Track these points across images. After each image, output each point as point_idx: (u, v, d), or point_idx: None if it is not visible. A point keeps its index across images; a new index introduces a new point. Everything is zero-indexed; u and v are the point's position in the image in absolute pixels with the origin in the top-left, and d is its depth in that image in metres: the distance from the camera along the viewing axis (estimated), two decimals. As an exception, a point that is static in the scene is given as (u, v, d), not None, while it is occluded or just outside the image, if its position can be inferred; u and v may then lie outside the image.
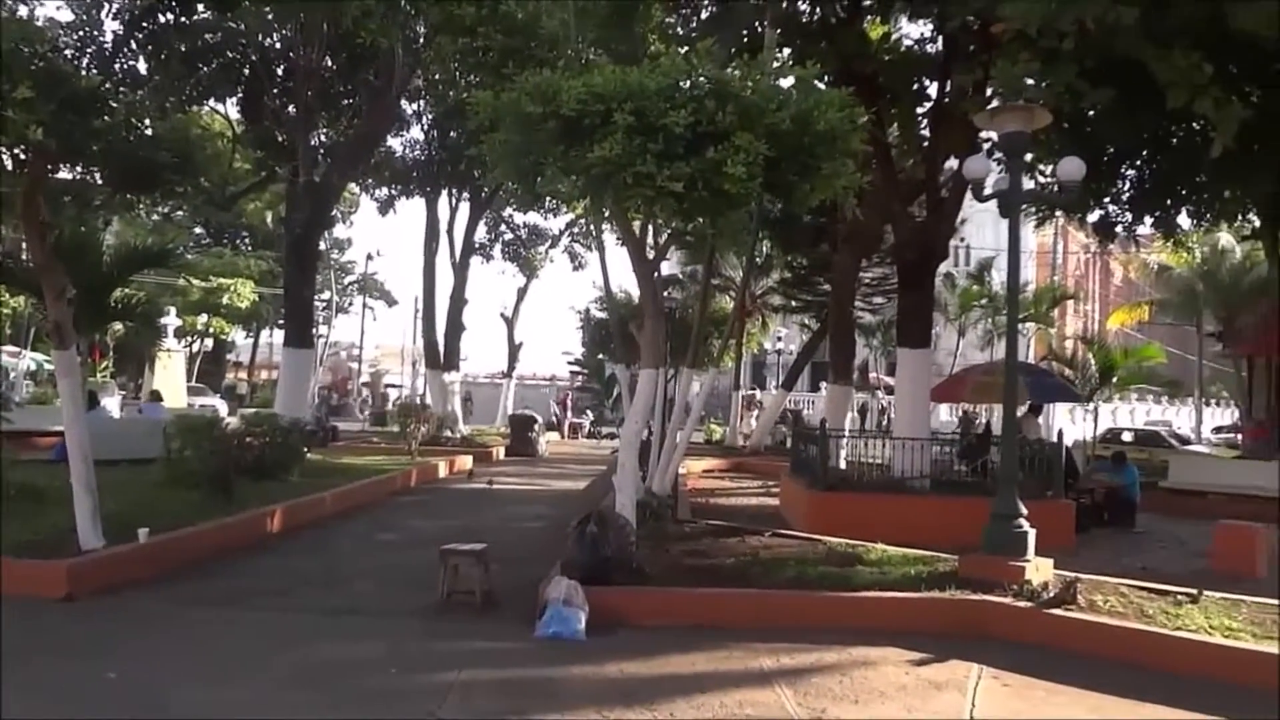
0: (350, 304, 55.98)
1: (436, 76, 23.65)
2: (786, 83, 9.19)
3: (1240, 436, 29.31)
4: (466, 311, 29.58)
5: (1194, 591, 8.20)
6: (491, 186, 25.92)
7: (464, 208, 29.83)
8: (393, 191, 29.92)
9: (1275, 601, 8.19)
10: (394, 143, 28.26)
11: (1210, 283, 31.84)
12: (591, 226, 22.12)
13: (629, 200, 8.30)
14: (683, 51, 9.14)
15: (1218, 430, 41.38)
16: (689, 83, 8.30)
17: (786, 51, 15.59)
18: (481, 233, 32.47)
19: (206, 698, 5.94)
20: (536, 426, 27.54)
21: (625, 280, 31.97)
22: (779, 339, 39.15)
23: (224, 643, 7.25)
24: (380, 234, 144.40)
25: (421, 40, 21.05)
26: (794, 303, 31.21)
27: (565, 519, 10.26)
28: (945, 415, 33.67)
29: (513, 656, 7.18)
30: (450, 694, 6.19)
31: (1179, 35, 11.19)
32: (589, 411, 41.00)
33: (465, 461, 21.55)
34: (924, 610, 8.06)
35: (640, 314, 11.52)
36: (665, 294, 24.06)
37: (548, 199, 16.94)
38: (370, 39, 18.92)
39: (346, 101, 24.02)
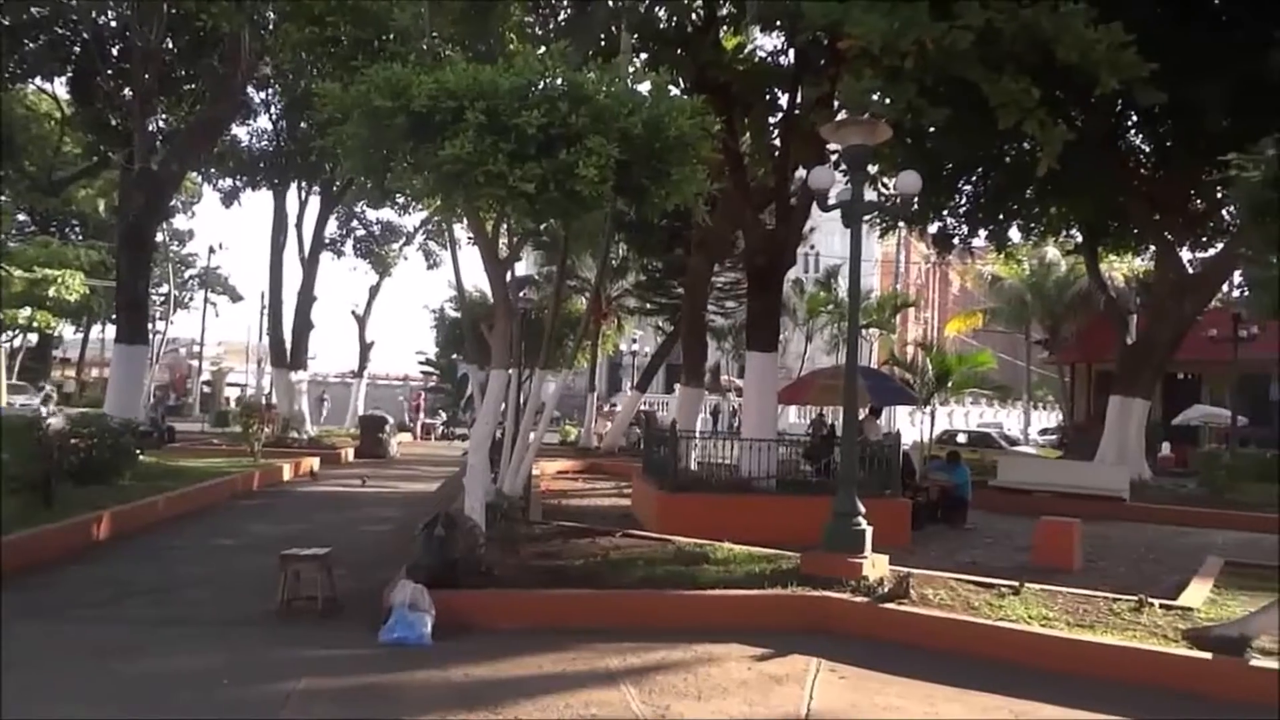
0: (191, 299, 53.38)
1: (285, 64, 22.84)
2: (644, 87, 9.30)
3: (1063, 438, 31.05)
4: (316, 308, 28.70)
5: (1016, 584, 8.70)
6: (343, 180, 25.24)
7: (314, 201, 28.97)
8: (238, 182, 28.72)
9: (1087, 591, 8.79)
10: (240, 131, 27.20)
11: (1038, 293, 33.97)
12: (444, 224, 21.75)
13: (480, 199, 8.24)
14: (540, 52, 9.11)
15: (1044, 432, 44.08)
16: (543, 83, 8.29)
17: (643, 57, 15.78)
18: (332, 228, 31.58)
19: None
20: (388, 427, 26.94)
21: (480, 279, 31.70)
22: (634, 341, 39.51)
23: (41, 659, 6.79)
24: (224, 226, 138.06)
25: (271, 26, 20.28)
26: (649, 305, 31.60)
27: (414, 521, 10.05)
28: (794, 417, 34.73)
29: (355, 663, 7.00)
30: (288, 703, 6.00)
31: (1009, 60, 11.87)
32: (442, 412, 40.36)
33: (312, 463, 20.89)
34: (767, 607, 8.29)
35: (493, 314, 11.43)
36: (520, 294, 23.92)
37: (399, 195, 16.59)
38: (214, 22, 18.11)
39: (188, 86, 22.94)
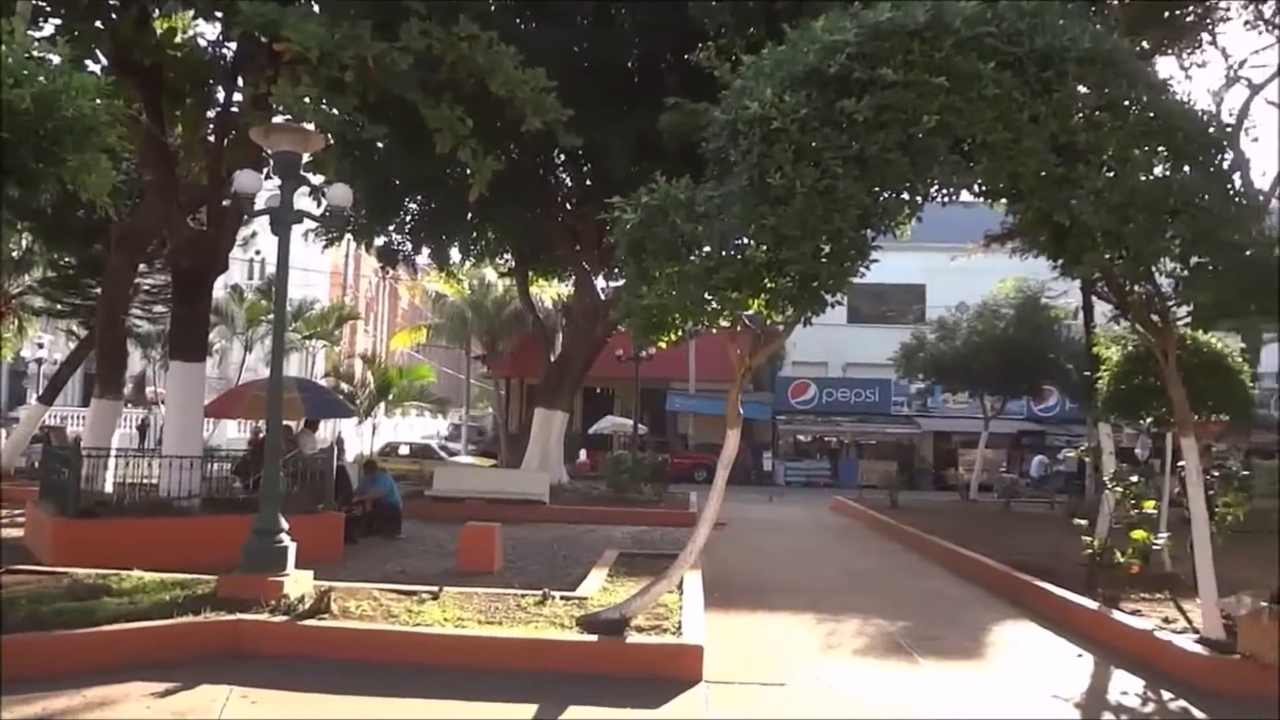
0: None
1: None
2: (56, 59, 8.12)
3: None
4: None
5: (435, 589, 9.07)
6: None
7: None
8: None
9: (501, 590, 9.45)
10: None
11: (478, 311, 35.95)
12: None
13: None
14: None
15: (477, 442, 46.76)
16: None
17: (52, 24, 13.92)
18: None
19: None
20: None
21: None
22: (41, 346, 34.50)
23: None
24: None
25: None
26: (60, 306, 27.80)
27: None
28: (236, 431, 32.85)
29: None
30: None
31: (448, 88, 12.46)
32: None
33: None
34: (175, 637, 7.67)
35: None
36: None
37: None
38: None
39: None
